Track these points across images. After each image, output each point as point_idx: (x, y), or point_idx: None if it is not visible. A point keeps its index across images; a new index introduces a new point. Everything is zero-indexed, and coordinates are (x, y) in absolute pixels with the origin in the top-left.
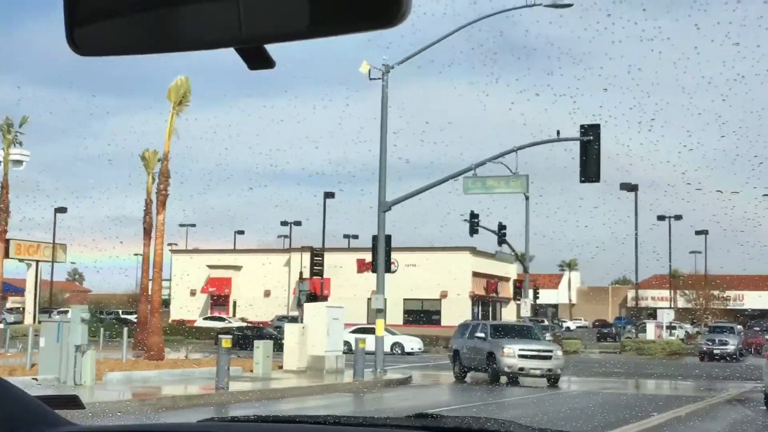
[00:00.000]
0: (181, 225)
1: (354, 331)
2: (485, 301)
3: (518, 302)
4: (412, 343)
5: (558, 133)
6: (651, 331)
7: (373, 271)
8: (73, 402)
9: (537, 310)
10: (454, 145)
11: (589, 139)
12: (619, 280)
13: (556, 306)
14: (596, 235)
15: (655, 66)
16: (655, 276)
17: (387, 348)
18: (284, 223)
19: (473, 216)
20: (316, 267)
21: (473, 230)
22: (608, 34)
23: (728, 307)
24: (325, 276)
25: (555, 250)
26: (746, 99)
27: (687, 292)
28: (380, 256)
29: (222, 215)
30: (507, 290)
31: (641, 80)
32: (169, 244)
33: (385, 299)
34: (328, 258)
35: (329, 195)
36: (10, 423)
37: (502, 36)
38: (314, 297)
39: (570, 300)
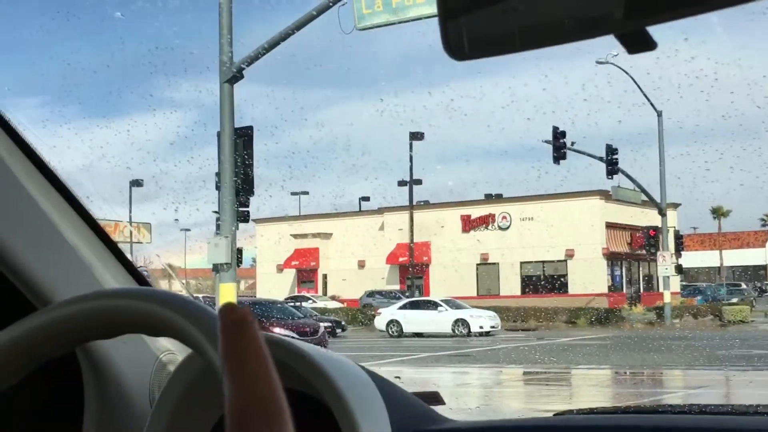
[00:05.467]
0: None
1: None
2: (633, 259)
3: (653, 258)
4: (482, 320)
5: None
6: None
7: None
8: (434, 398)
9: (683, 269)
10: None
11: None
12: None
13: (763, 267)
14: None
15: None
16: None
17: (447, 327)
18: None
19: (557, 135)
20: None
21: (558, 156)
22: None
23: None
24: (424, 239)
25: (759, 205)
26: None
27: None
28: (226, 167)
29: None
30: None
31: None
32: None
33: (498, 264)
34: (425, 217)
35: (417, 136)
36: (403, 421)
37: None
38: (412, 267)
39: None
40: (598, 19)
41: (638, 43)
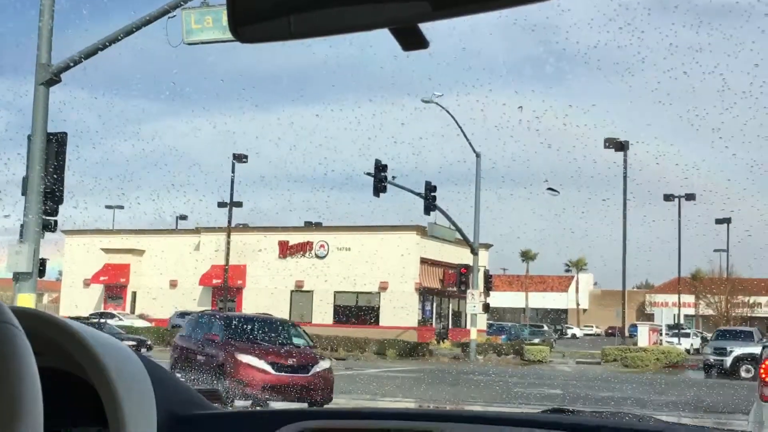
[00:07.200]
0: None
1: None
2: (443, 295)
3: (462, 295)
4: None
5: None
6: (644, 337)
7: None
8: (214, 395)
9: (490, 308)
10: None
11: None
12: (641, 285)
13: (565, 311)
14: (611, 232)
15: None
16: (676, 279)
17: None
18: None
19: (379, 168)
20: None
21: (378, 189)
22: None
23: (757, 315)
24: (240, 262)
25: (564, 250)
26: None
27: (709, 296)
28: (35, 172)
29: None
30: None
31: None
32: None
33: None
34: (242, 240)
35: (240, 158)
36: (168, 404)
37: None
38: (225, 289)
39: (578, 304)
40: (376, 12)
41: (412, 40)
